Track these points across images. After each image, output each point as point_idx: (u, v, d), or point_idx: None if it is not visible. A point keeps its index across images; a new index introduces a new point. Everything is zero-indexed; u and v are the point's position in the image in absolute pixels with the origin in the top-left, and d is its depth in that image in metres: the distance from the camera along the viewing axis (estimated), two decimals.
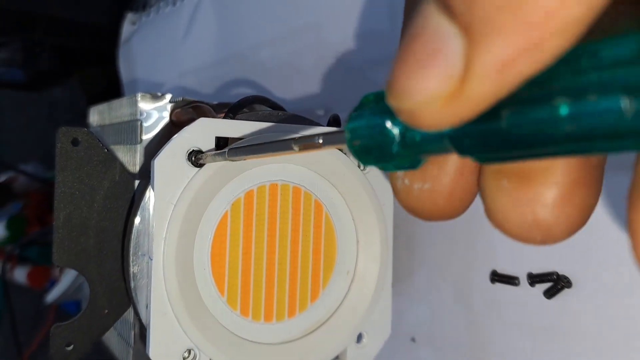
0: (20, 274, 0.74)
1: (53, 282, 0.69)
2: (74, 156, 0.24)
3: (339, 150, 0.26)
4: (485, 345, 0.28)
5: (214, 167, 0.23)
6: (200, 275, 0.24)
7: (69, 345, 0.25)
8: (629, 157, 0.10)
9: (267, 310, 0.25)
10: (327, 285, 0.27)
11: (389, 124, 0.13)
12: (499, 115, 0.11)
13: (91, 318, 0.25)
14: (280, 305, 0.26)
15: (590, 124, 0.09)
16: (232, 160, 0.21)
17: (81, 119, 0.38)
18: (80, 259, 0.25)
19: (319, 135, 0.16)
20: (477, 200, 0.14)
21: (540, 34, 0.10)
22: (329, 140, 0.15)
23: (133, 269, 0.24)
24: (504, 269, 0.27)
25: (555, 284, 0.25)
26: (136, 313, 0.25)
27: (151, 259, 0.23)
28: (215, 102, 0.28)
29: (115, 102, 0.30)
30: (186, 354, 0.23)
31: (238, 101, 0.26)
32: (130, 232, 0.24)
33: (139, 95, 0.26)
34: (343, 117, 0.29)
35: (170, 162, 0.22)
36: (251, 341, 0.25)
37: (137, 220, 0.24)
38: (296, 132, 0.24)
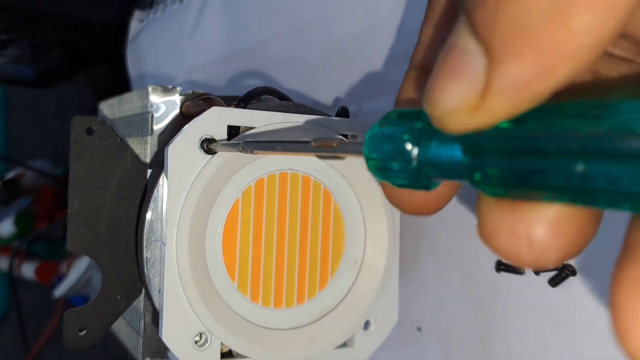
0: (28, 270, 0.74)
1: (60, 278, 0.70)
2: (88, 144, 0.25)
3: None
4: (490, 334, 0.28)
5: (225, 155, 0.24)
6: (212, 261, 0.24)
7: (81, 331, 0.25)
8: None
9: (277, 297, 0.26)
10: (336, 273, 0.27)
11: (408, 146, 0.14)
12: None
13: (104, 304, 0.26)
14: (289, 291, 0.26)
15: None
16: (245, 153, 0.21)
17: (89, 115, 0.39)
18: (93, 245, 0.25)
19: (337, 141, 0.17)
20: None
21: (552, 60, 0.10)
22: (346, 149, 0.16)
23: (147, 254, 0.24)
24: None
25: (559, 272, 0.25)
26: (149, 298, 0.25)
27: (164, 244, 0.23)
28: (224, 96, 0.29)
29: (126, 96, 0.31)
30: (198, 338, 0.24)
31: (248, 92, 0.27)
32: (144, 219, 0.25)
33: (150, 87, 0.27)
34: (352, 110, 0.30)
35: (183, 149, 0.23)
36: (261, 326, 0.25)
37: (150, 207, 0.25)
38: (307, 124, 0.25)
